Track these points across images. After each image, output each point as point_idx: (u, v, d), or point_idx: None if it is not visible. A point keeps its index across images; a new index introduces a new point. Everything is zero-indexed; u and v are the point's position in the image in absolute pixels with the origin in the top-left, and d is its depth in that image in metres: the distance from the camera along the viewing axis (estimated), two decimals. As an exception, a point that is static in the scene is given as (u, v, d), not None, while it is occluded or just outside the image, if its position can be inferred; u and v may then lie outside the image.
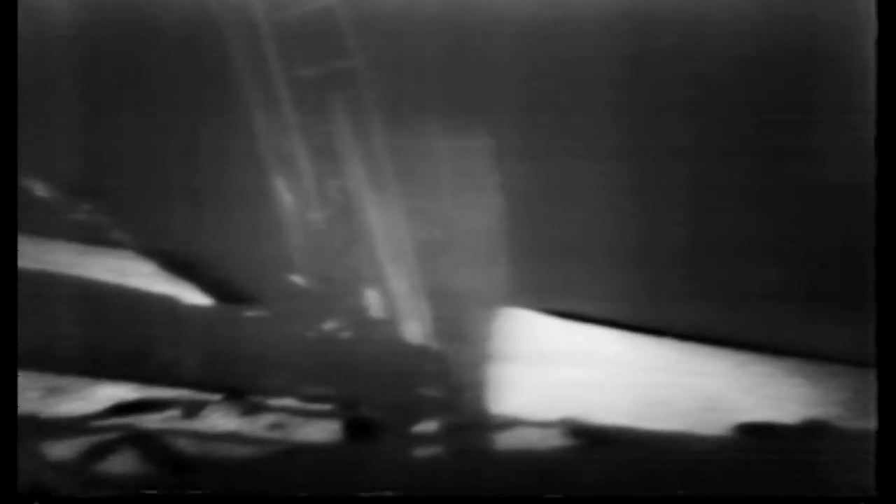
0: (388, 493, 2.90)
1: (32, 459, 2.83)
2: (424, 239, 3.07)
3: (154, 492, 2.85)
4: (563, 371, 3.09)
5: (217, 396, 3.06)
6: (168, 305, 3.11)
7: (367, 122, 3.07)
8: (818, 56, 2.98)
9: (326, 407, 3.06)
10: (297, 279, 3.11)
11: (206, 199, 3.08)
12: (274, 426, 3.02)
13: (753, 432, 2.99)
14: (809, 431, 2.99)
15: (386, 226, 3.07)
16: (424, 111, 3.06)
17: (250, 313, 3.11)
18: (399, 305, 3.10)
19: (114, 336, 3.07)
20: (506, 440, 3.01)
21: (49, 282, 3.07)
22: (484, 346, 3.13)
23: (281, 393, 3.07)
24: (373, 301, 3.11)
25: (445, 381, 3.09)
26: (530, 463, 2.97)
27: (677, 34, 2.99)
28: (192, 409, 3.03)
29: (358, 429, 3.02)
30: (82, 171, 3.08)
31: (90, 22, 3.05)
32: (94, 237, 3.11)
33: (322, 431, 3.01)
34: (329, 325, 3.10)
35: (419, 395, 3.07)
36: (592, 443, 2.99)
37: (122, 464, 2.90)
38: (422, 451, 2.98)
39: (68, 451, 2.90)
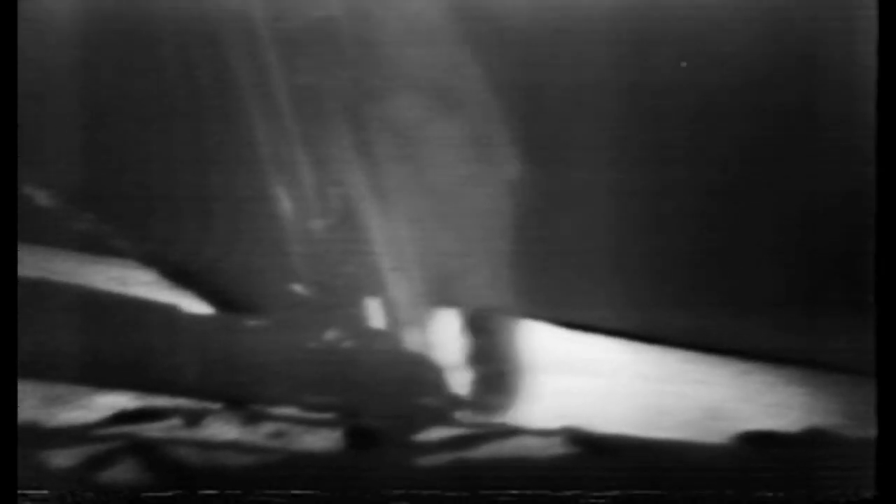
0: (391, 502, 2.89)
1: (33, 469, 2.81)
2: (427, 248, 3.07)
3: (155, 500, 2.83)
4: (564, 380, 3.09)
5: (218, 405, 3.05)
6: (169, 314, 3.10)
7: (368, 130, 3.07)
8: (819, 60, 3.00)
9: (328, 416, 3.05)
10: (298, 288, 3.10)
11: (208, 207, 3.08)
12: (275, 435, 3.01)
13: (755, 440, 2.99)
14: (810, 439, 2.99)
15: (388, 235, 3.07)
16: (426, 120, 3.07)
17: (251, 322, 3.10)
18: (401, 315, 3.10)
19: (114, 345, 3.06)
20: (507, 449, 3.01)
21: (50, 290, 3.06)
22: (485, 356, 3.13)
23: (282, 402, 3.06)
24: (374, 310, 3.10)
25: (447, 390, 3.09)
26: (532, 471, 2.96)
27: (678, 40, 3.01)
28: (193, 418, 3.02)
29: (359, 437, 3.01)
30: (83, 180, 3.07)
31: (91, 28, 3.05)
32: (96, 246, 3.10)
33: (323, 440, 3.00)
34: (330, 334, 3.09)
35: (421, 404, 3.06)
36: (594, 451, 2.99)
37: (123, 473, 2.89)
38: (424, 460, 2.97)
39: (69, 460, 2.89)
